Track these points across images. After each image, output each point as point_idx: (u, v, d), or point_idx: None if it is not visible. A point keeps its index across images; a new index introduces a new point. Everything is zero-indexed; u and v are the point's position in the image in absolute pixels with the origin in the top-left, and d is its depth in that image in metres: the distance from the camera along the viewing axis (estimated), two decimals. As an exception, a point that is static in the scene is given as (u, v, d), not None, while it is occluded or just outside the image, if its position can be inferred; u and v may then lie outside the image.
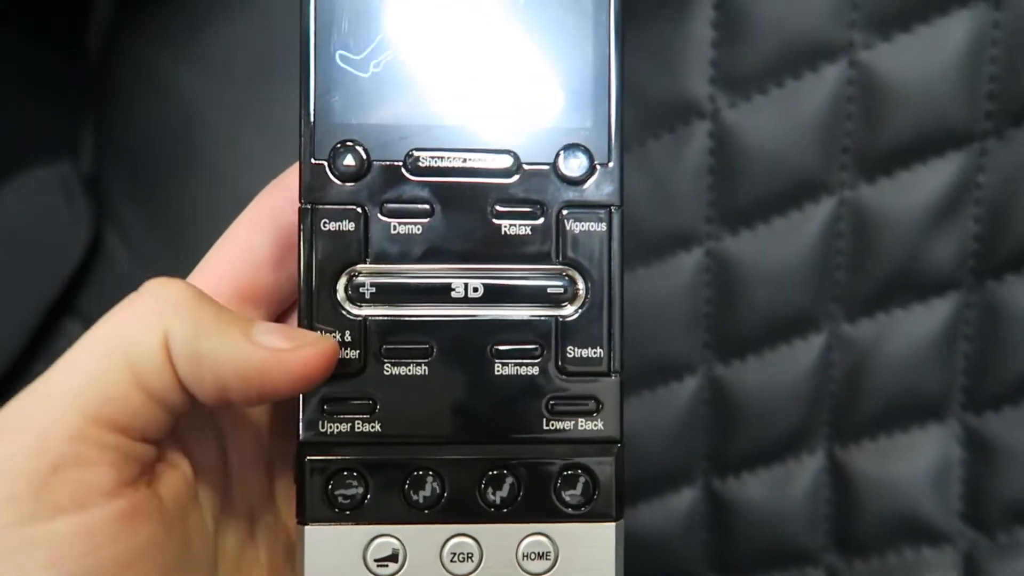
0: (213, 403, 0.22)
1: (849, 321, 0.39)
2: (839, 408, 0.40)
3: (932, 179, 0.38)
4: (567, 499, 0.23)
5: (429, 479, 0.23)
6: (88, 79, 0.47)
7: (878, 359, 0.39)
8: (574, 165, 0.24)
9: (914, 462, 0.39)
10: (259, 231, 0.24)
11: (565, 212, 0.24)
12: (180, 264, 0.25)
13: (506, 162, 0.24)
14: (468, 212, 0.24)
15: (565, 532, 0.23)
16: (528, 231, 0.24)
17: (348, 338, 0.23)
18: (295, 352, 0.22)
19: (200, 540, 0.23)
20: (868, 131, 0.38)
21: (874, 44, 0.38)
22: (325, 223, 0.23)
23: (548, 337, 0.24)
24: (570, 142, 0.24)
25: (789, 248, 0.39)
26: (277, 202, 0.24)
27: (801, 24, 0.38)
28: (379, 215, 0.23)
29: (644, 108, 0.40)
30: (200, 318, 0.21)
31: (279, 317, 0.25)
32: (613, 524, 0.24)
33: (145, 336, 0.21)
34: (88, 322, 0.45)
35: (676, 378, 0.41)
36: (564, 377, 0.24)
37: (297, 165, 0.24)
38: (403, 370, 0.23)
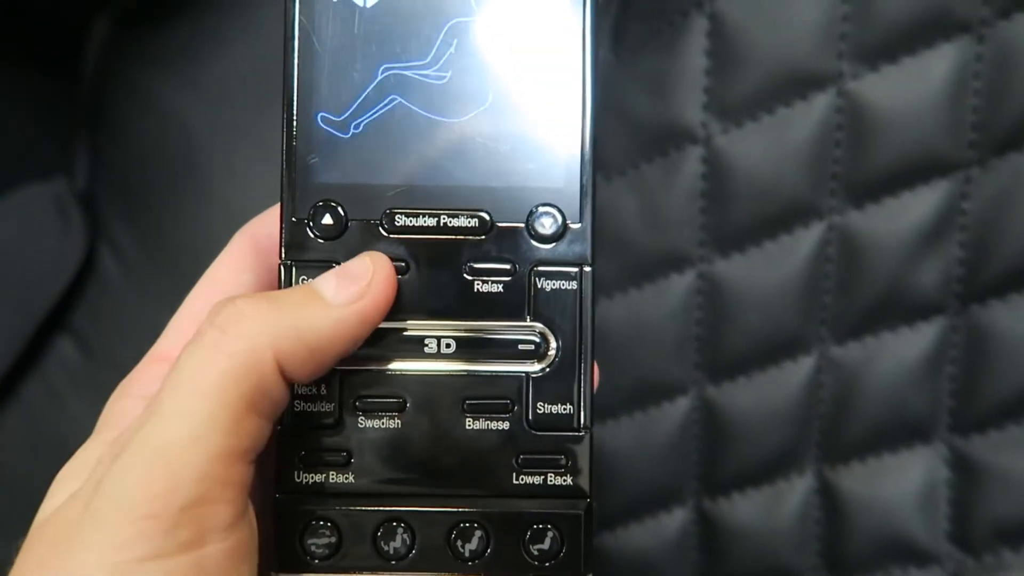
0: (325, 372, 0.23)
1: (838, 344, 0.40)
2: (828, 429, 0.40)
3: (918, 206, 0.39)
4: (535, 553, 0.24)
5: (400, 530, 0.24)
6: (84, 99, 0.47)
7: (866, 381, 0.40)
8: (546, 224, 0.24)
9: (902, 483, 0.40)
10: (243, 271, 0.25)
11: (537, 270, 0.24)
12: (173, 284, 0.26)
13: (480, 221, 0.24)
14: (442, 269, 0.24)
15: None
16: (500, 288, 0.24)
17: (323, 391, 0.24)
18: (367, 299, 0.23)
19: None
20: (856, 158, 0.39)
21: (862, 74, 0.39)
22: (304, 280, 0.24)
23: (519, 393, 0.24)
24: (542, 202, 0.24)
25: (779, 271, 0.40)
26: (258, 243, 0.25)
27: (791, 54, 0.39)
28: None
29: (638, 133, 0.41)
30: (292, 318, 0.22)
31: None
32: None
33: (260, 361, 0.21)
34: (79, 339, 0.45)
35: (668, 399, 0.42)
36: (534, 432, 0.24)
37: (277, 207, 0.24)
38: (376, 423, 0.24)
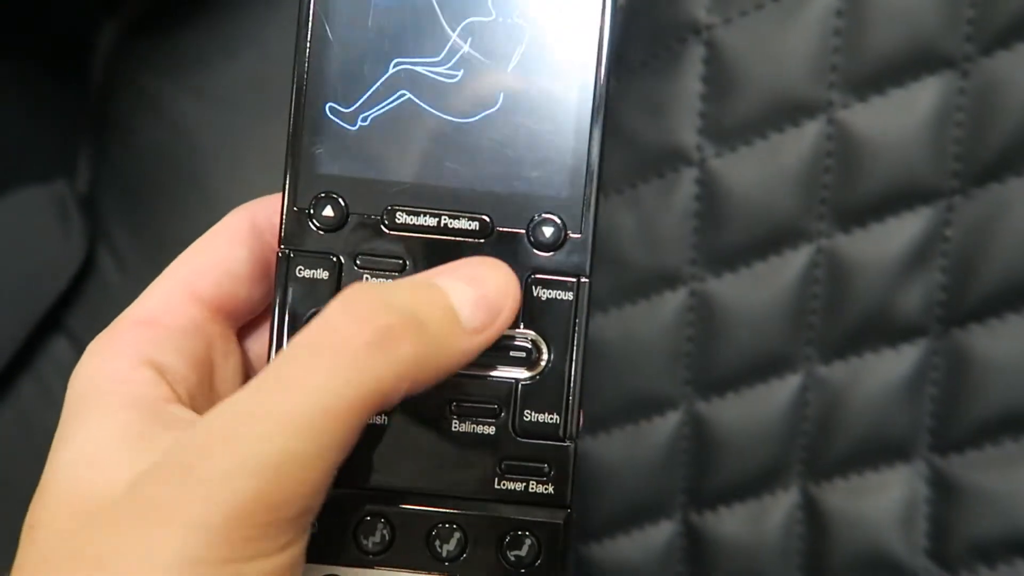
0: None
1: (824, 363, 0.41)
2: (813, 446, 0.42)
3: (902, 231, 0.40)
4: (512, 559, 0.24)
5: (380, 526, 0.24)
6: (89, 102, 0.47)
7: (850, 400, 0.41)
8: (547, 232, 0.24)
9: (883, 500, 0.41)
10: (240, 246, 0.25)
11: (534, 278, 0.24)
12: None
13: (480, 224, 0.24)
14: None
15: None
16: None
17: None
18: (492, 330, 0.23)
19: None
20: (845, 184, 0.41)
21: (851, 104, 0.40)
22: (300, 269, 0.24)
23: (507, 399, 0.24)
24: (544, 210, 0.24)
25: (768, 291, 0.41)
26: (257, 219, 0.25)
27: (785, 82, 0.41)
28: (354, 265, 0.24)
29: (636, 154, 0.42)
30: (435, 348, 0.21)
31: (245, 326, 0.26)
32: None
33: (396, 392, 0.21)
34: (76, 341, 0.45)
35: (658, 413, 0.42)
36: (519, 439, 0.24)
37: (278, 196, 0.24)
38: None
